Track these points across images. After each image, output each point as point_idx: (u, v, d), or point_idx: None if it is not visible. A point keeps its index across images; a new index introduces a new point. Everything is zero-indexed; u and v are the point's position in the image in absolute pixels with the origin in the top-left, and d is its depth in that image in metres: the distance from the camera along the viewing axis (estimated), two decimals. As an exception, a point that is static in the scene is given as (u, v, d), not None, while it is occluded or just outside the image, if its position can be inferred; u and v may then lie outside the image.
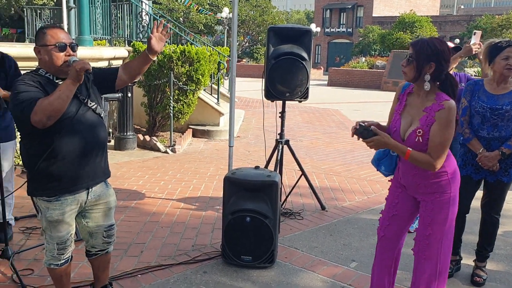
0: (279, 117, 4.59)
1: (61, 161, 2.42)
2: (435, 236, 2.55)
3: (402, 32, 30.63)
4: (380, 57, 29.58)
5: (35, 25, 14.86)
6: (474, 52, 3.78)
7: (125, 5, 10.06)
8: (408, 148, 2.41)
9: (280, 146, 4.54)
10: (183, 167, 6.45)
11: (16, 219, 4.05)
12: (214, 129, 8.79)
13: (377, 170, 2.87)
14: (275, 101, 4.43)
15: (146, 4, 10.18)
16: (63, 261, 2.62)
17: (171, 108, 7.52)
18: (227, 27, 27.62)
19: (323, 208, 4.84)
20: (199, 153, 7.40)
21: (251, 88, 18.29)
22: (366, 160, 7.23)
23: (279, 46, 4.23)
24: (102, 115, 2.59)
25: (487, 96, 3.24)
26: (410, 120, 2.50)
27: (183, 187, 5.50)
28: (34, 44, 2.46)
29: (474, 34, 3.82)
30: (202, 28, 33.89)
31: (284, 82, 4.24)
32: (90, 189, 2.57)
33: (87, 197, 2.57)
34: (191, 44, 9.28)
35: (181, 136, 8.13)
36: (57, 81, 2.45)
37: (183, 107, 7.85)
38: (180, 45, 8.66)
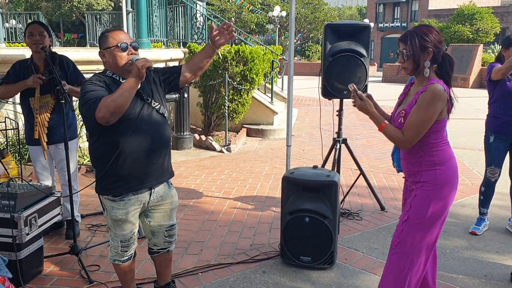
0: (337, 115, 4.50)
1: (128, 161, 2.48)
2: (410, 224, 2.41)
3: (461, 25, 29.29)
4: (437, 52, 28.44)
5: (95, 29, 15.51)
6: None
7: (180, 7, 10.27)
8: (385, 121, 2.42)
9: (338, 145, 4.46)
10: (238, 166, 6.50)
11: (82, 216, 4.23)
12: (268, 128, 8.80)
13: (393, 166, 2.77)
14: (330, 99, 4.35)
15: (200, 5, 10.34)
16: (127, 257, 2.70)
17: (226, 107, 7.60)
18: (278, 26, 27.60)
19: (382, 208, 4.70)
20: (253, 152, 7.43)
21: (304, 86, 18.19)
22: (425, 159, 6.97)
23: (336, 43, 4.15)
24: (165, 115, 2.63)
25: None
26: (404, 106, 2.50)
27: (239, 186, 5.53)
28: (95, 48, 2.54)
29: None
30: (254, 27, 34.02)
31: (342, 80, 4.14)
32: (153, 190, 2.63)
33: (150, 198, 2.63)
34: (245, 43, 9.33)
35: (235, 135, 8.19)
36: (122, 81, 2.50)
37: (238, 106, 7.91)
38: (234, 45, 8.73)
